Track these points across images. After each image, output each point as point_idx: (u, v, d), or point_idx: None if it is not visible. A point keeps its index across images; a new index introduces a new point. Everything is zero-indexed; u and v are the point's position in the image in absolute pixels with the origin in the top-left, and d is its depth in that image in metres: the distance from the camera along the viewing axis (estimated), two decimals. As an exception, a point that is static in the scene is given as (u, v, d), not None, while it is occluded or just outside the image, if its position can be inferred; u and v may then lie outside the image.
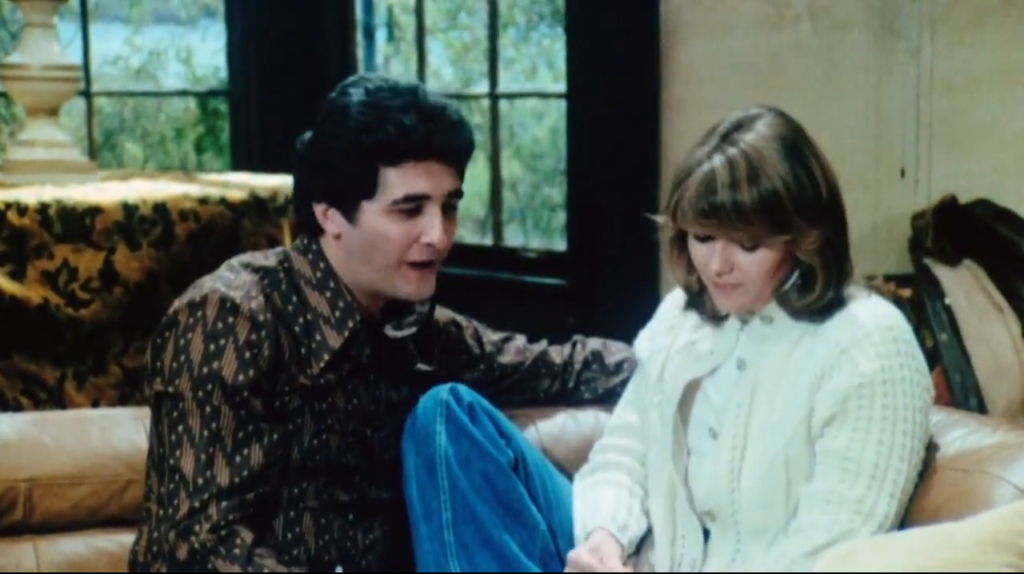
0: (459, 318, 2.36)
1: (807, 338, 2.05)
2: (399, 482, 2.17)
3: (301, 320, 2.05)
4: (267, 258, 2.10)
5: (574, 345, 2.46)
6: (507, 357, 2.38)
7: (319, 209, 2.06)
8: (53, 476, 2.21)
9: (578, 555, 2.09)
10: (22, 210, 3.32)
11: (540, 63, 4.95)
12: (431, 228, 2.03)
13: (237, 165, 4.72)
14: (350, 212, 2.04)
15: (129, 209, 3.43)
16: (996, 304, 3.55)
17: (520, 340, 2.41)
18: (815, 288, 2.03)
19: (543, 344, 2.43)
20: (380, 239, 2.03)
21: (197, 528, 1.96)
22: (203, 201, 3.50)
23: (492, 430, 2.13)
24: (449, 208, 2.06)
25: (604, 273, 3.88)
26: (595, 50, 3.86)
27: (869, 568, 1.77)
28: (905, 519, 2.01)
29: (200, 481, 1.97)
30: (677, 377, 2.15)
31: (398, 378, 2.18)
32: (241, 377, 1.98)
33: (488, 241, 4.42)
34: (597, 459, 2.29)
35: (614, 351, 2.46)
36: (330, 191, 2.04)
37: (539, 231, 4.81)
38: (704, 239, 2.02)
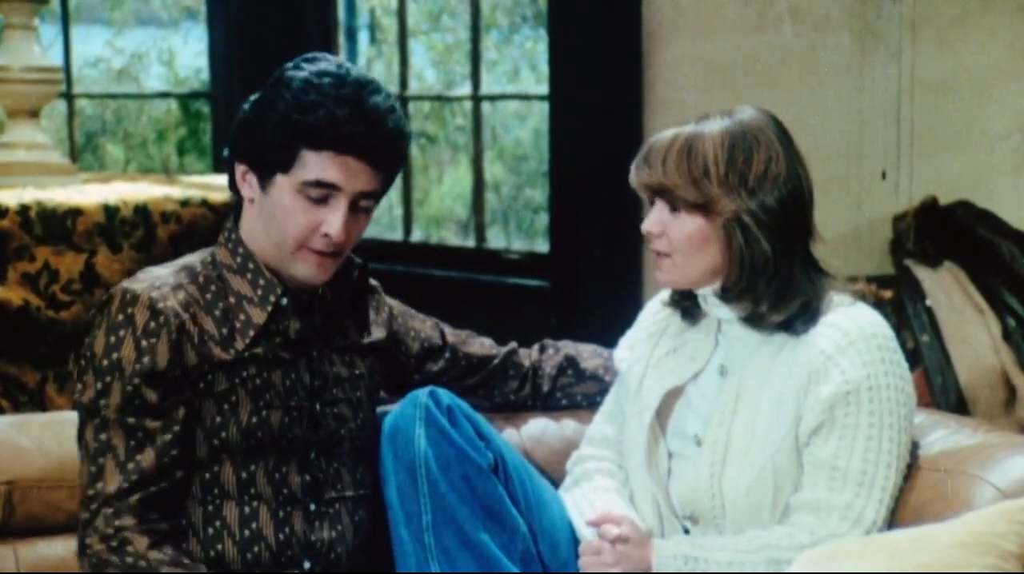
0: (416, 311, 2.38)
1: (790, 345, 2.05)
2: (364, 466, 2.19)
3: (221, 305, 2.08)
4: (193, 256, 2.15)
5: (543, 349, 2.47)
6: (473, 348, 2.40)
7: (240, 169, 2.10)
8: (33, 479, 2.20)
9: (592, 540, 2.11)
10: (2, 212, 3.31)
11: (523, 65, 4.95)
12: (333, 220, 2.05)
13: (219, 167, 4.71)
14: (264, 180, 2.07)
15: (110, 211, 3.42)
16: (977, 305, 3.56)
17: (487, 339, 2.44)
18: (730, 272, 2.05)
19: (512, 345, 2.45)
20: (283, 216, 2.06)
21: (89, 541, 1.99)
22: (185, 203, 3.49)
23: (471, 433, 2.13)
24: (358, 207, 2.08)
25: (586, 275, 3.88)
26: (578, 52, 3.86)
27: (851, 569, 1.77)
28: (888, 521, 2.02)
29: (91, 492, 2.00)
30: (656, 385, 2.16)
31: (348, 353, 2.19)
32: (138, 365, 2.00)
33: (470, 243, 4.42)
34: (577, 471, 2.29)
35: (587, 356, 2.47)
36: (252, 154, 2.08)
37: (521, 233, 4.80)
38: (652, 207, 2.09)
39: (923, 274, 3.62)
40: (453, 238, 4.88)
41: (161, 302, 2.03)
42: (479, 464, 2.12)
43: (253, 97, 2.12)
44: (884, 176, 3.76)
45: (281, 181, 2.05)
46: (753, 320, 2.07)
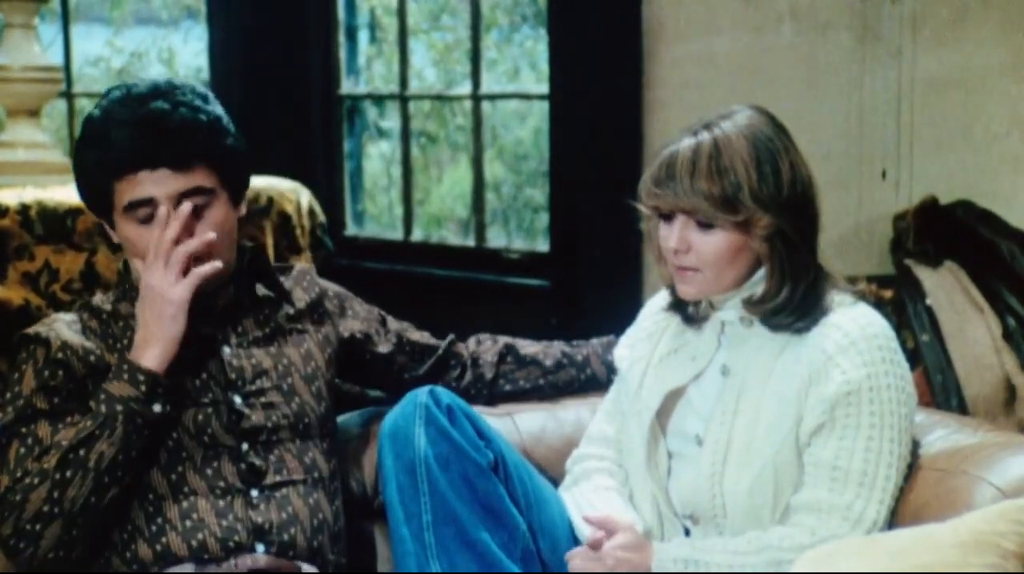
0: (355, 296, 2.42)
1: (792, 345, 2.05)
2: (318, 450, 2.21)
3: (111, 330, 2.19)
4: (96, 295, 2.27)
5: (479, 341, 2.52)
6: (415, 336, 2.45)
7: (102, 221, 2.21)
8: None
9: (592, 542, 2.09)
10: (2, 211, 3.31)
11: (523, 64, 4.95)
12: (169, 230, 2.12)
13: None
14: (111, 224, 2.18)
15: (110, 211, 3.41)
16: (977, 305, 3.56)
17: (424, 331, 2.49)
18: (771, 285, 2.04)
19: (450, 337, 2.50)
20: (132, 247, 2.15)
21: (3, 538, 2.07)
22: (184, 202, 3.48)
23: (471, 432, 2.14)
24: (197, 206, 2.13)
25: (587, 274, 3.88)
26: (578, 51, 3.86)
27: (851, 569, 1.77)
28: (888, 521, 2.02)
29: None
30: (657, 386, 2.15)
31: (275, 340, 2.24)
32: (39, 392, 2.10)
33: (471, 242, 4.41)
34: (577, 470, 2.29)
35: (525, 344, 2.52)
36: (90, 205, 2.20)
37: (522, 232, 4.80)
38: (668, 219, 2.05)
39: (923, 274, 3.62)
40: (453, 238, 4.87)
41: (45, 333, 2.15)
42: (479, 463, 2.12)
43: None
44: (884, 176, 3.76)
45: (117, 218, 2.15)
46: (768, 322, 2.06)
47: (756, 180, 2.00)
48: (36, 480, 2.04)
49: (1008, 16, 3.79)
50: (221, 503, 2.11)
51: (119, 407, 2.05)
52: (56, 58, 4.25)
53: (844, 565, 1.77)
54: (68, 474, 2.03)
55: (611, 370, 2.36)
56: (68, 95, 4.60)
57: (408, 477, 2.10)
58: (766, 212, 2.00)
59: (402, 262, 4.38)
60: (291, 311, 2.29)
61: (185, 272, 2.10)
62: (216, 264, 2.12)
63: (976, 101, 3.79)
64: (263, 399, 2.19)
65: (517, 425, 2.43)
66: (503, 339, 2.52)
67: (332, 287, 2.39)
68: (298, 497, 2.16)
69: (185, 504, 2.11)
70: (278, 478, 2.16)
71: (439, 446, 2.10)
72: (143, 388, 2.06)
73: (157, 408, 2.08)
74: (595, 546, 2.06)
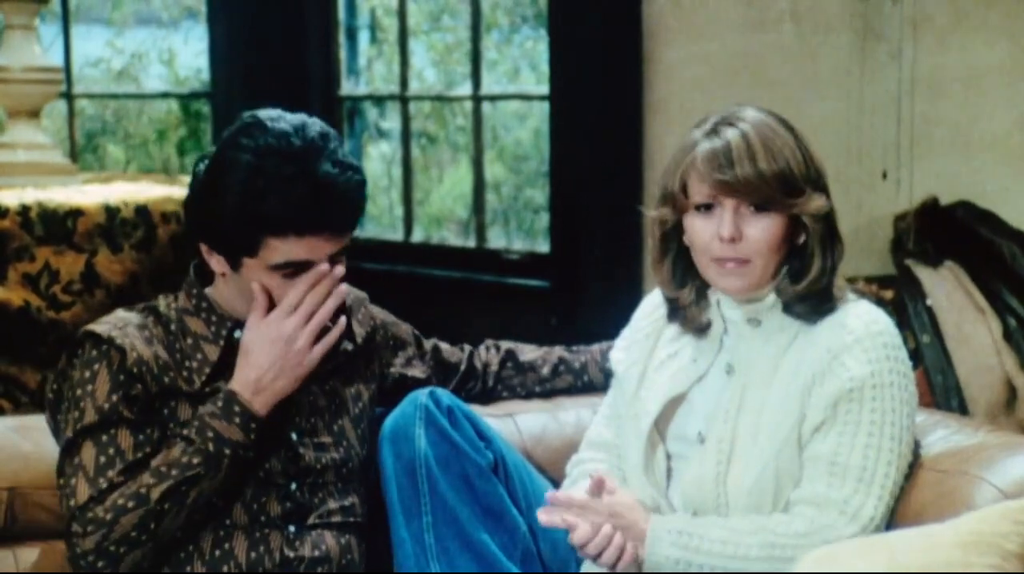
0: (394, 318, 2.40)
1: (797, 343, 2.05)
2: (358, 497, 2.19)
3: (179, 346, 2.12)
4: (159, 300, 2.18)
5: (488, 348, 2.51)
6: (443, 354, 2.43)
7: (204, 248, 2.11)
8: (34, 485, 2.18)
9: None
10: (3, 212, 3.32)
11: (523, 65, 4.95)
12: None
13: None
14: (232, 261, 2.09)
15: (111, 211, 3.42)
16: (977, 305, 3.56)
17: (444, 343, 2.46)
18: (812, 266, 2.05)
19: (468, 348, 2.48)
20: (260, 291, 2.08)
21: (79, 550, 2.01)
22: (185, 203, 3.48)
23: (472, 433, 2.14)
24: (334, 261, 2.09)
25: (587, 275, 3.88)
26: (578, 52, 3.86)
27: (852, 569, 1.77)
28: (887, 520, 2.02)
29: (66, 512, 2.04)
30: (657, 392, 2.15)
31: (330, 380, 2.20)
32: (114, 395, 2.04)
33: (471, 243, 4.42)
34: (576, 473, 2.29)
35: (527, 350, 2.51)
36: (213, 240, 2.09)
37: (522, 233, 4.80)
38: (708, 211, 2.04)
39: (924, 274, 3.62)
40: (454, 238, 4.87)
41: (120, 339, 2.07)
42: (479, 464, 2.12)
43: (200, 169, 2.11)
44: (884, 176, 3.76)
45: (250, 263, 2.07)
46: (791, 309, 2.07)
47: (802, 161, 2.04)
48: (131, 503, 2.00)
49: (1008, 16, 3.79)
50: (257, 535, 2.10)
51: (227, 450, 2.03)
52: (56, 59, 4.25)
53: (844, 565, 1.77)
54: (167, 506, 2.01)
55: (608, 376, 2.36)
56: (68, 96, 4.60)
57: (408, 478, 2.10)
58: (814, 193, 2.03)
59: (402, 263, 4.38)
60: (350, 347, 2.24)
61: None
62: (342, 326, 2.11)
63: (976, 101, 3.79)
64: (316, 439, 2.16)
65: (518, 426, 2.43)
66: (505, 345, 2.51)
67: (380, 315, 2.35)
68: (332, 537, 2.14)
69: (222, 533, 2.09)
70: (316, 520, 2.14)
71: (439, 447, 2.10)
72: (252, 436, 2.05)
73: (251, 452, 2.07)
74: (596, 488, 2.05)
